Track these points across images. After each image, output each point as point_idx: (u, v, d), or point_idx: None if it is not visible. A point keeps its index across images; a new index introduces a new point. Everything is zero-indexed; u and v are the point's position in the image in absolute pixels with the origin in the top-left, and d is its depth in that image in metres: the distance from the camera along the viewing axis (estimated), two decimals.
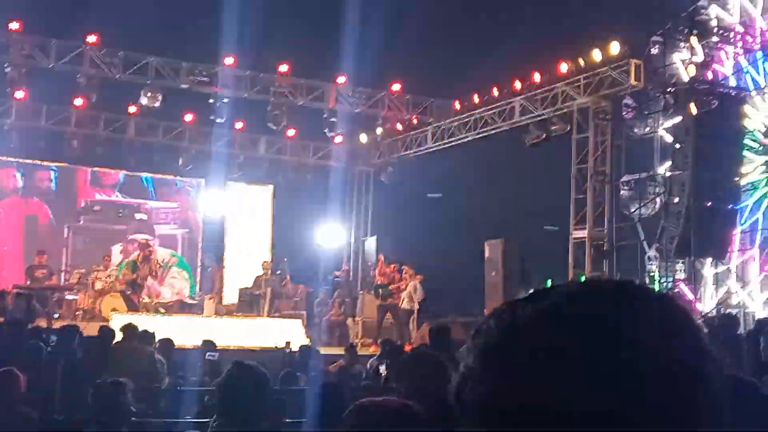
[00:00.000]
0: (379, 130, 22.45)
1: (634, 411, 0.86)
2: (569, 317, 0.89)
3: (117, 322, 14.38)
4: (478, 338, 0.94)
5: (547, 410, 0.86)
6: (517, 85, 19.46)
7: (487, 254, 18.36)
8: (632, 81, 17.20)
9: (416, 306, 17.91)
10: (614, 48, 17.37)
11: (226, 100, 20.19)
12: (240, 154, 23.22)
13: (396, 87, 21.86)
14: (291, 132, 23.21)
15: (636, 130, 18.63)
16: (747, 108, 18.40)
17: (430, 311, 18.23)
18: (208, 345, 11.26)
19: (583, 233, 18.10)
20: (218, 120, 20.82)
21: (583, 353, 0.86)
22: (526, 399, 0.87)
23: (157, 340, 10.68)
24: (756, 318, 16.65)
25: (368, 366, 11.70)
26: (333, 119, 21.39)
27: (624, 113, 18.60)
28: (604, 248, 18.09)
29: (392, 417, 2.68)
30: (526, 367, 0.88)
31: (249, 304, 18.94)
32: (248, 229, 23.91)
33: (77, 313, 17.50)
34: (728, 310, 17.82)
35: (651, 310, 0.92)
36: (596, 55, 17.70)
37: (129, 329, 10.18)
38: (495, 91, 20.08)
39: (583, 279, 1.00)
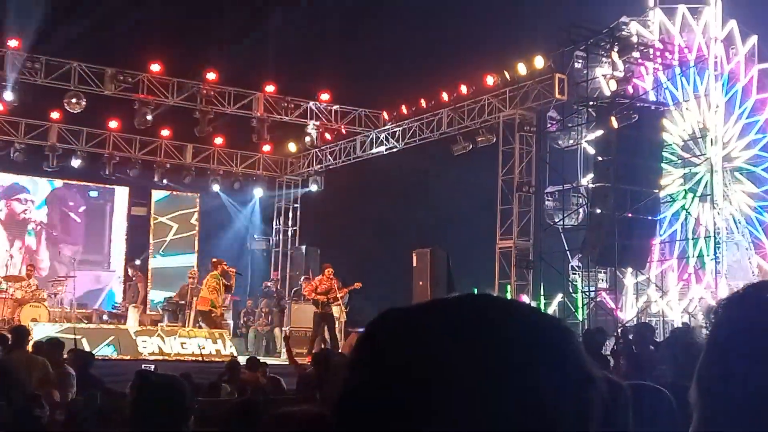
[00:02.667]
0: (307, 139, 22.40)
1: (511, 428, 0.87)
2: (441, 336, 0.90)
3: (38, 331, 14.03)
4: (356, 352, 0.96)
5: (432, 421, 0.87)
6: (445, 96, 19.67)
7: (415, 263, 18.46)
8: (556, 94, 17.54)
9: (344, 317, 17.89)
10: (539, 62, 17.71)
11: (151, 107, 19.87)
12: (166, 162, 22.89)
13: (325, 97, 21.85)
14: (218, 140, 23.02)
15: (560, 142, 19.02)
16: (666, 122, 18.96)
17: (357, 320, 18.23)
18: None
19: (508, 243, 18.37)
20: (143, 127, 20.49)
21: (452, 373, 0.88)
22: (394, 412, 0.88)
23: (67, 350, 10.33)
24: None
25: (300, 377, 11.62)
26: (261, 128, 21.24)
27: (548, 126, 18.97)
28: (529, 258, 18.38)
29: (306, 426, 2.69)
30: (399, 380, 0.89)
31: (174, 313, 18.66)
32: (174, 238, 23.59)
33: None
34: (648, 319, 18.29)
35: (523, 329, 0.93)
36: (521, 68, 18.01)
37: (20, 336, 9.78)
38: (423, 103, 20.26)
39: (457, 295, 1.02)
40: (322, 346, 16.29)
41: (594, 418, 0.92)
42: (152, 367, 10.59)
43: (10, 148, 20.96)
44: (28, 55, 18.77)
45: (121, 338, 15.54)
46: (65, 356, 9.83)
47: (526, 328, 0.93)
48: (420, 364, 0.89)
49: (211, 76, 20.34)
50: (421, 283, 18.16)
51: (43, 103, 20.25)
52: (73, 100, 19.30)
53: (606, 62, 18.27)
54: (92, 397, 7.67)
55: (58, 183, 22.66)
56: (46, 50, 18.96)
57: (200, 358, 15.27)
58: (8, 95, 18.76)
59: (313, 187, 23.76)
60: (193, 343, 16.00)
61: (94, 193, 23.02)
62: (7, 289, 17.93)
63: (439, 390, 0.87)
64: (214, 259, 17.65)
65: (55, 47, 18.96)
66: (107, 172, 22.14)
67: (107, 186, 23.03)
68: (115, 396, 7.83)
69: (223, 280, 17.04)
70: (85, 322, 17.95)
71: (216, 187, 23.59)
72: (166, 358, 15.17)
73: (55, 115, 20.81)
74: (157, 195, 23.68)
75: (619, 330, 12.92)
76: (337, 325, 17.56)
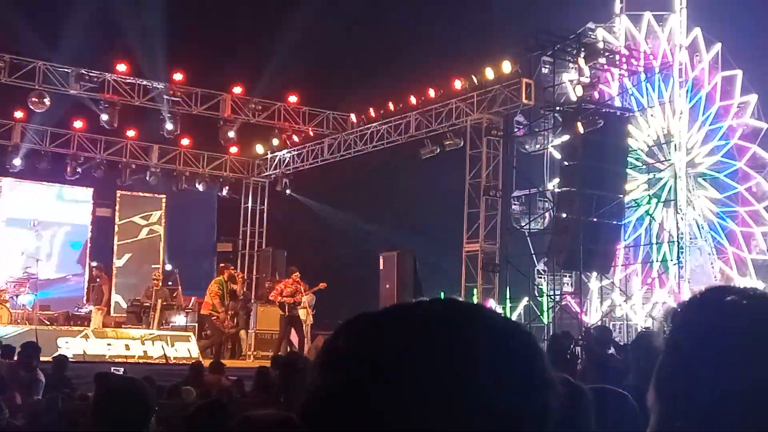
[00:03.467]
0: (275, 141, 22.32)
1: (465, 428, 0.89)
2: (398, 342, 0.93)
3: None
4: (322, 356, 0.97)
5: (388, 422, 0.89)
6: (413, 100, 19.70)
7: (381, 266, 18.47)
8: (523, 99, 17.64)
9: (310, 319, 17.85)
10: (506, 67, 17.79)
11: (117, 107, 19.68)
12: (131, 163, 22.68)
13: (293, 99, 21.79)
14: (185, 141, 22.85)
15: (527, 147, 19.15)
16: (631, 128, 19.16)
17: (324, 323, 18.20)
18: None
19: (475, 246, 18.43)
20: (108, 127, 20.29)
21: (411, 378, 0.90)
22: (352, 420, 0.90)
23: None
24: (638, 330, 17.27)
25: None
26: (228, 129, 21.13)
27: (516, 130, 19.08)
28: (495, 261, 18.46)
29: (272, 429, 2.68)
30: (352, 388, 0.91)
31: (138, 315, 18.49)
32: (139, 239, 23.37)
33: None
34: (612, 323, 18.46)
35: (491, 335, 0.95)
36: (489, 73, 18.09)
37: None
38: (391, 106, 20.27)
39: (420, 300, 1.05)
40: (288, 349, 16.24)
41: (552, 421, 0.95)
42: (121, 369, 10.48)
43: None
44: None
45: (85, 340, 15.37)
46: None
47: (488, 333, 0.95)
48: (387, 367, 0.91)
49: (178, 77, 20.21)
50: (387, 286, 18.18)
51: (7, 102, 19.97)
52: (35, 99, 19.06)
53: (572, 68, 18.42)
54: (54, 399, 7.59)
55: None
56: (10, 49, 18.70)
57: (164, 361, 15.15)
58: None
59: (280, 190, 23.67)
60: (158, 346, 15.87)
61: None
62: None
63: (405, 392, 0.89)
64: (221, 264, 17.84)
65: (20, 46, 18.72)
66: (71, 172, 21.90)
67: (71, 188, 22.72)
68: (81, 398, 7.75)
69: (231, 284, 17.15)
70: (47, 323, 17.72)
71: (182, 188, 23.39)
72: (132, 360, 15.03)
73: (19, 114, 20.53)
74: (121, 195, 23.42)
75: (581, 333, 13.03)
76: (303, 328, 17.51)
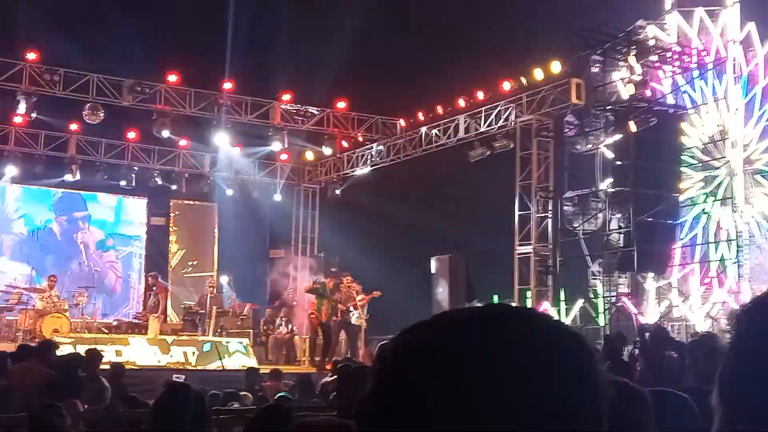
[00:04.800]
0: (325, 148, 22.46)
1: None
2: (455, 348, 0.94)
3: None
4: (376, 362, 0.98)
5: None
6: (461, 102, 19.66)
7: (433, 270, 18.43)
8: (573, 99, 17.48)
9: (364, 324, 17.90)
10: (555, 67, 17.65)
11: (169, 117, 19.98)
12: (185, 172, 23.02)
13: (341, 105, 21.90)
14: (236, 149, 23.09)
15: (578, 147, 18.94)
16: (685, 125, 18.84)
17: (377, 328, 18.23)
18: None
19: (527, 248, 18.30)
20: (161, 137, 20.62)
21: (464, 385, 0.91)
22: (409, 427, 0.91)
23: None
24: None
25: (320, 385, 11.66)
26: (278, 136, 21.33)
27: (566, 130, 18.90)
28: (549, 263, 18.30)
29: None
30: (409, 396, 0.93)
31: (194, 322, 18.73)
32: (193, 248, 23.68)
33: (17, 334, 17.13)
34: (670, 324, 18.16)
35: (539, 338, 0.96)
36: (538, 74, 17.96)
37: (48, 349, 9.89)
38: (439, 109, 20.26)
39: (476, 305, 1.07)
40: (346, 356, 16.30)
41: (604, 425, 0.96)
42: (182, 377, 10.64)
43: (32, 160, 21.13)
44: (47, 67, 18.92)
45: (143, 348, 15.63)
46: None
47: (539, 337, 0.96)
48: (442, 372, 0.92)
49: (228, 86, 20.46)
50: (440, 289, 18.13)
51: (62, 115, 20.40)
52: (90, 111, 19.44)
53: (623, 66, 18.18)
54: (114, 407, 7.71)
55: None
56: (64, 62, 19.11)
57: (221, 368, 15.32)
58: (26, 108, 18.90)
59: (332, 195, 23.79)
60: (213, 353, 16.06)
61: None
62: (28, 300, 18.09)
63: (459, 396, 0.90)
64: (334, 270, 18.09)
65: (74, 59, 19.11)
66: (126, 183, 22.31)
67: (127, 197, 23.12)
68: (139, 406, 7.86)
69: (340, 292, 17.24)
70: (106, 332, 18.05)
71: (235, 196, 23.65)
72: (187, 367, 15.22)
73: (73, 126, 20.96)
74: (175, 204, 23.79)
75: (637, 334, 12.84)
76: (357, 333, 17.58)
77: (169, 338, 16.87)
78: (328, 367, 15.85)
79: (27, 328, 17.12)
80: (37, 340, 15.03)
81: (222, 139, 21.04)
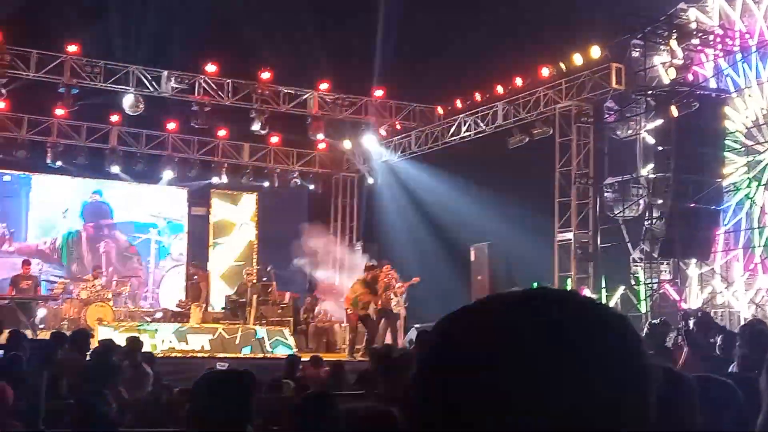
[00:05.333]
0: (362, 136, 22.48)
1: (558, 423, 0.89)
2: (500, 329, 0.93)
3: (103, 332, 14.33)
4: (420, 347, 0.98)
5: (473, 421, 0.90)
6: (500, 89, 19.55)
7: (472, 258, 18.40)
8: (613, 84, 17.29)
9: (403, 311, 17.94)
10: (595, 52, 17.46)
11: (208, 108, 20.14)
12: (224, 162, 23.21)
13: (378, 93, 21.89)
14: (274, 139, 23.22)
15: (618, 133, 18.73)
16: (728, 110, 18.54)
17: (416, 316, 18.25)
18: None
19: (567, 236, 18.17)
20: (200, 128, 20.79)
21: (511, 366, 0.90)
22: (456, 408, 0.91)
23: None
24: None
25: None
26: (316, 126, 21.39)
27: (606, 116, 18.70)
28: (589, 250, 18.16)
29: (372, 423, 2.69)
30: (456, 377, 0.92)
31: (234, 311, 18.90)
32: (233, 237, 23.91)
33: (62, 323, 17.43)
34: (714, 310, 17.94)
35: (585, 321, 0.95)
36: (577, 59, 17.79)
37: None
38: (477, 96, 20.16)
39: (532, 287, 1.06)
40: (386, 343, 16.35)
41: (652, 408, 0.94)
42: (225, 365, 10.74)
43: (73, 151, 21.44)
44: (88, 60, 19.15)
45: (186, 336, 15.81)
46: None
47: (582, 318, 0.95)
48: (489, 357, 0.91)
49: (265, 75, 20.55)
50: (479, 277, 18.10)
51: (104, 107, 20.65)
52: (130, 103, 19.65)
53: (664, 50, 17.93)
54: (158, 394, 7.82)
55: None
56: (104, 54, 19.33)
57: (263, 356, 15.44)
58: (68, 100, 19.16)
59: (370, 183, 23.82)
60: (254, 341, 16.20)
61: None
62: (73, 290, 18.40)
63: (502, 380, 0.90)
64: (370, 263, 18.03)
65: (113, 51, 19.33)
66: (167, 173, 22.57)
67: (166, 187, 23.34)
68: (182, 393, 7.96)
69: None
70: (148, 320, 18.29)
71: (273, 186, 23.79)
72: (230, 355, 15.37)
73: (114, 118, 21.22)
74: (215, 194, 24.04)
75: (680, 321, 12.70)
76: (397, 321, 17.61)
77: (211, 326, 17.04)
78: (357, 355, 15.92)
79: (72, 317, 17.42)
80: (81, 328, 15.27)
81: (261, 129, 21.14)
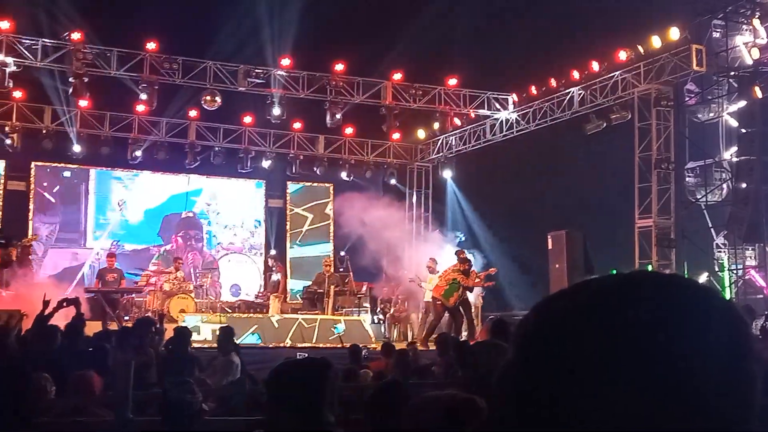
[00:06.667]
0: (436, 125, 22.42)
1: (664, 410, 0.86)
2: (597, 313, 0.90)
3: (187, 322, 14.61)
4: (517, 330, 0.95)
5: (576, 406, 0.87)
6: (575, 74, 19.25)
7: (550, 246, 18.18)
8: (694, 66, 16.85)
9: (480, 300, 17.85)
10: (674, 33, 17.04)
11: (283, 101, 20.37)
12: (300, 154, 23.45)
13: (452, 82, 21.78)
14: (349, 130, 23.34)
15: (700, 116, 18.30)
16: None
17: (493, 306, 18.16)
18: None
19: (648, 222, 17.81)
20: (276, 121, 21.03)
21: (606, 351, 0.87)
22: (557, 392, 0.88)
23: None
24: None
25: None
26: (390, 116, 21.40)
27: (687, 99, 18.28)
28: (671, 236, 17.77)
29: (454, 410, 2.67)
30: (557, 360, 0.89)
31: (312, 301, 19.08)
32: (309, 228, 24.16)
33: (147, 314, 17.84)
34: None
35: (690, 305, 0.91)
36: (655, 41, 17.39)
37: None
38: (553, 82, 19.90)
39: (631, 270, 1.02)
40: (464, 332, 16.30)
41: (758, 393, 0.90)
42: (305, 355, 10.83)
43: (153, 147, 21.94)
44: (166, 56, 19.53)
45: (265, 327, 16.03)
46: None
47: (691, 303, 0.91)
48: (591, 341, 0.88)
49: (339, 67, 20.64)
50: (557, 266, 17.86)
51: (182, 103, 21.08)
52: (207, 98, 20.00)
53: (747, 30, 17.40)
54: (241, 383, 7.94)
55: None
56: (182, 51, 19.69)
57: (340, 345, 15.54)
58: (148, 96, 19.59)
59: (444, 173, 23.76)
60: (332, 331, 16.33)
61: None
62: (156, 282, 18.83)
63: (612, 365, 0.86)
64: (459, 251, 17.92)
65: (190, 48, 19.67)
66: (245, 166, 22.91)
67: (245, 180, 23.70)
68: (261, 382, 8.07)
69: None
70: (229, 311, 18.60)
71: (348, 176, 23.93)
72: (308, 345, 15.52)
73: (193, 113, 21.64)
74: (291, 187, 24.33)
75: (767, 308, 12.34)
76: (472, 310, 17.52)
77: (290, 316, 17.24)
78: (419, 345, 15.84)
79: (156, 309, 17.84)
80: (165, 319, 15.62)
81: (334, 121, 21.26)
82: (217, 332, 10.47)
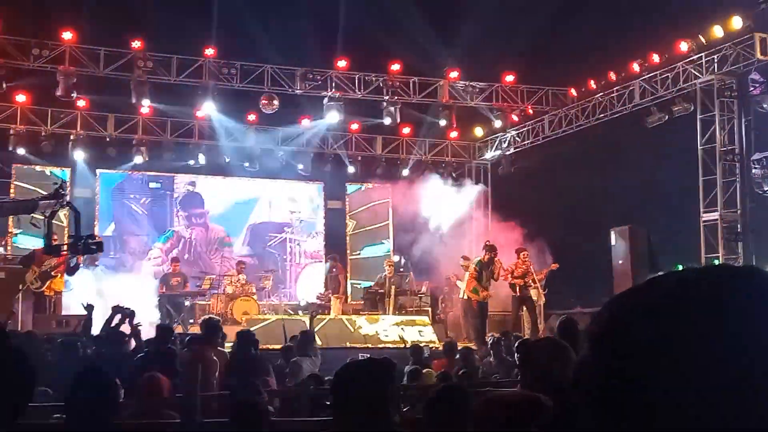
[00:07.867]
0: (498, 123, 22.29)
1: (742, 407, 0.84)
2: (678, 306, 0.89)
3: (250, 325, 14.77)
4: (593, 326, 0.94)
5: (654, 400, 0.86)
6: (635, 67, 18.95)
7: (613, 242, 17.93)
8: (758, 55, 16.43)
9: (543, 298, 17.69)
10: (737, 22, 16.65)
11: (340, 103, 20.48)
12: (357, 155, 23.53)
13: (509, 78, 21.63)
14: (406, 130, 23.34)
15: (765, 106, 17.81)
16: None
17: (556, 302, 17.97)
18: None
19: (714, 215, 17.43)
20: (333, 122, 21.15)
21: (689, 344, 0.86)
22: (634, 387, 0.87)
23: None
24: None
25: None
26: (447, 114, 21.35)
27: (751, 89, 17.81)
28: (738, 230, 17.36)
29: (520, 409, 2.65)
30: (634, 355, 0.88)
31: (373, 302, 19.14)
32: (369, 229, 24.21)
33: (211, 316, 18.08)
34: None
35: (761, 296, 0.89)
36: (717, 31, 17.02)
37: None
38: (612, 75, 19.62)
39: (701, 266, 1.00)
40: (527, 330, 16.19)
41: None
42: (367, 355, 10.90)
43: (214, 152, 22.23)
44: (224, 62, 19.79)
45: (327, 328, 16.10)
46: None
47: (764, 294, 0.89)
48: (669, 335, 0.87)
49: (395, 67, 20.66)
50: (621, 262, 17.61)
51: (241, 106, 21.29)
52: (267, 102, 20.19)
53: None
54: (305, 384, 7.99)
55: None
56: (239, 56, 19.92)
57: (402, 345, 15.55)
58: (208, 102, 19.87)
59: (503, 170, 23.59)
60: (394, 331, 16.35)
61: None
62: (219, 285, 19.09)
63: (689, 359, 0.85)
64: (489, 242, 17.80)
65: (248, 52, 19.88)
66: (303, 168, 23.07)
67: (304, 183, 23.85)
68: (323, 384, 8.12)
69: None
70: (291, 313, 18.76)
71: (407, 176, 23.92)
72: (370, 345, 15.57)
73: (251, 117, 21.83)
74: (350, 188, 24.41)
75: None
76: (536, 308, 17.39)
77: (351, 318, 17.30)
78: (472, 345, 15.71)
79: (219, 312, 18.06)
80: (228, 323, 15.84)
81: (390, 121, 21.26)
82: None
